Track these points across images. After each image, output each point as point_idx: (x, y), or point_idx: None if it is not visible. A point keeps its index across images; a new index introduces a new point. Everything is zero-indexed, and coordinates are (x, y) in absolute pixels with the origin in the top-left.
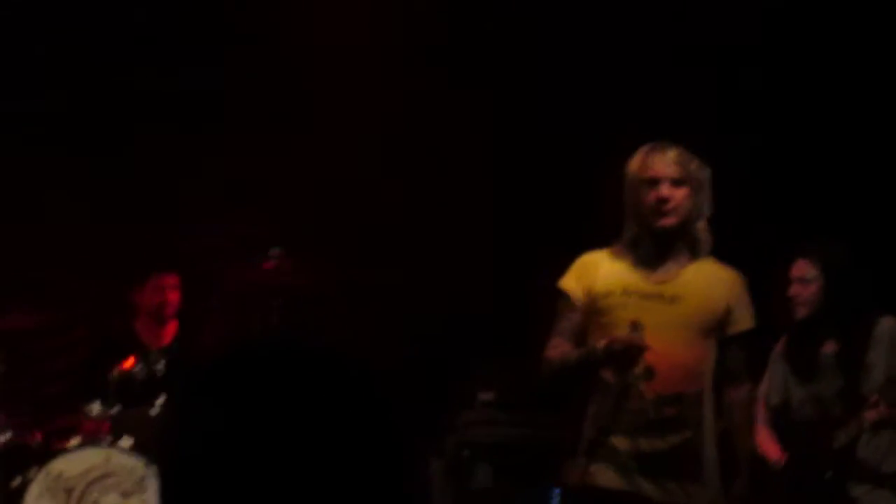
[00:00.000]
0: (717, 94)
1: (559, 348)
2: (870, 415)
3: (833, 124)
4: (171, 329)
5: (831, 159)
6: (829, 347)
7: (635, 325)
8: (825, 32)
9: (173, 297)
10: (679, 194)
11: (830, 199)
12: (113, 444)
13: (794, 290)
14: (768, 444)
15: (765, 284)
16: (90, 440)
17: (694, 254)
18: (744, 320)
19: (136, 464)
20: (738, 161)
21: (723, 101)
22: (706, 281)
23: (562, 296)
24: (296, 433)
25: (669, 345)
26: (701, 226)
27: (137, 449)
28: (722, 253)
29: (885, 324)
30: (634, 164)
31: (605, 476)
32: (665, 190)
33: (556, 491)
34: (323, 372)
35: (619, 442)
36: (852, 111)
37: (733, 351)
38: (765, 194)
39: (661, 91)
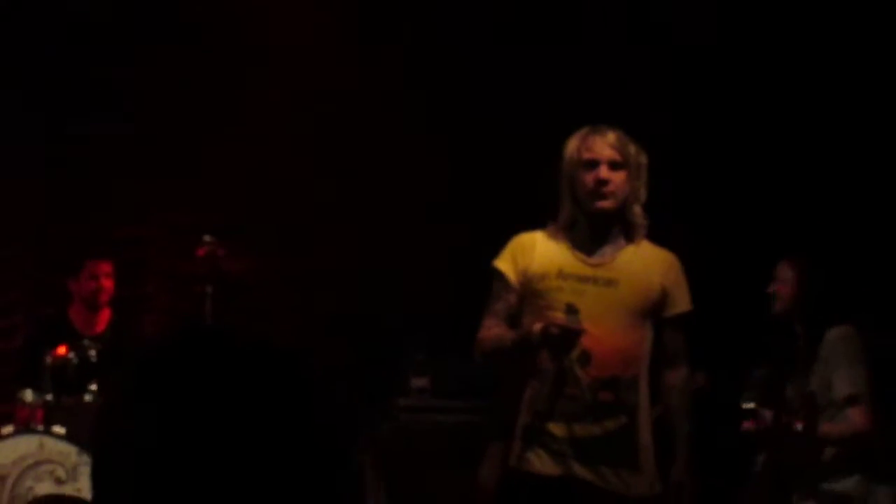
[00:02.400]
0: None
1: (494, 329)
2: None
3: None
4: (104, 316)
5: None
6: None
7: (571, 309)
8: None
9: (108, 285)
10: (617, 177)
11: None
12: (46, 431)
13: (772, 286)
14: None
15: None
16: (24, 427)
17: (629, 238)
18: (681, 303)
19: (69, 451)
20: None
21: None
22: (642, 264)
23: (497, 276)
24: (224, 425)
25: (606, 329)
26: (637, 210)
27: (71, 436)
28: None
29: (831, 332)
30: (573, 145)
31: (541, 462)
32: (604, 172)
33: None
34: (250, 365)
35: (555, 427)
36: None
37: (671, 334)
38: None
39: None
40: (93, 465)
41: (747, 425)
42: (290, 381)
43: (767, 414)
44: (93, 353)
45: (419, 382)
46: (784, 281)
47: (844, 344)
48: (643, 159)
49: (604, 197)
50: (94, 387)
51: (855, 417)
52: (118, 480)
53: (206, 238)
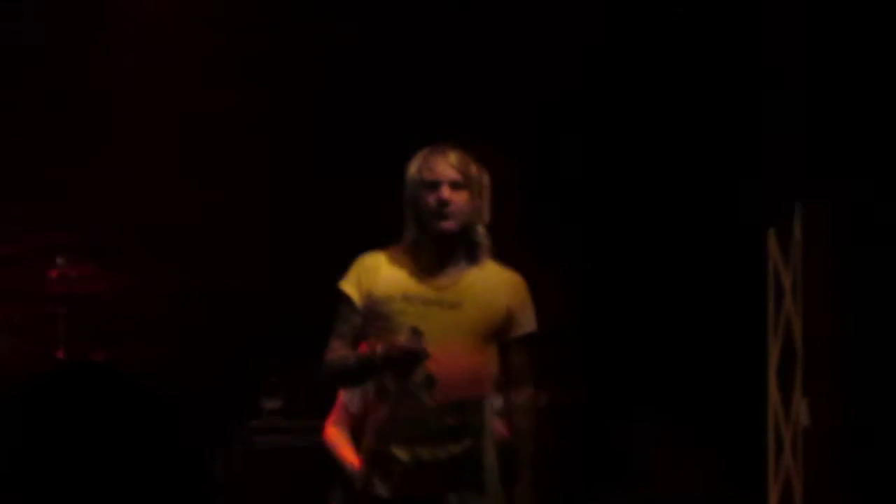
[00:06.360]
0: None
1: (339, 351)
2: None
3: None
4: None
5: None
6: None
7: (415, 332)
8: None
9: None
10: (459, 198)
11: None
12: None
13: None
14: None
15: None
16: None
17: (473, 259)
18: (527, 323)
19: None
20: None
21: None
22: (487, 284)
23: (342, 298)
24: (84, 449)
25: (451, 352)
26: (481, 230)
27: None
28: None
29: None
30: (414, 166)
31: (385, 486)
32: (445, 192)
33: None
34: (106, 394)
35: (399, 451)
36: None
37: (516, 354)
38: None
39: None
40: None
41: None
42: (140, 410)
43: None
44: None
45: (271, 404)
46: None
47: None
48: (485, 179)
49: (445, 217)
50: None
51: None
52: None
53: (58, 260)
